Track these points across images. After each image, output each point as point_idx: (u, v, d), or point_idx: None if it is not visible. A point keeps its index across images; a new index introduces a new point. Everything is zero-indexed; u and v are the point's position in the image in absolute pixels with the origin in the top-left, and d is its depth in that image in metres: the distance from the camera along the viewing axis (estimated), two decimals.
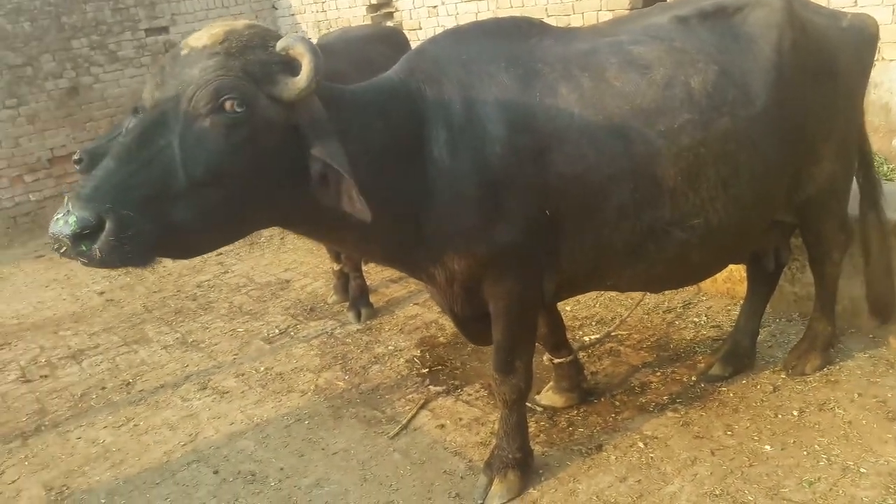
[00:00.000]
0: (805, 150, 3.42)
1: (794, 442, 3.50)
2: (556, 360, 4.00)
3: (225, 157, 2.43)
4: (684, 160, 3.05)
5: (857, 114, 3.74)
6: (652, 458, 3.56)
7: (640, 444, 3.66)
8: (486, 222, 2.94)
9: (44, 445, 4.52)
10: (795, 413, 3.70)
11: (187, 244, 2.58)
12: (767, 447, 3.49)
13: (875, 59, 3.78)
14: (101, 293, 7.21)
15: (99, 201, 2.28)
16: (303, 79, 2.45)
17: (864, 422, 3.55)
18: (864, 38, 3.56)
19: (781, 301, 4.71)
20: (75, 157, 5.57)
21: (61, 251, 2.30)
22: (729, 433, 3.64)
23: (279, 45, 2.50)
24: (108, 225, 2.26)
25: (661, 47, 3.12)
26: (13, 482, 4.19)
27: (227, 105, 2.40)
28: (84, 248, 2.27)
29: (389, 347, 5.15)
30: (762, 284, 4.12)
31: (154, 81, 2.50)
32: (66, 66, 10.08)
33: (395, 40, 5.92)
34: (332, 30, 9.52)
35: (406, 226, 2.94)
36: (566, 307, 5.28)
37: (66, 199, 2.31)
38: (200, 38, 2.50)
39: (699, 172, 3.09)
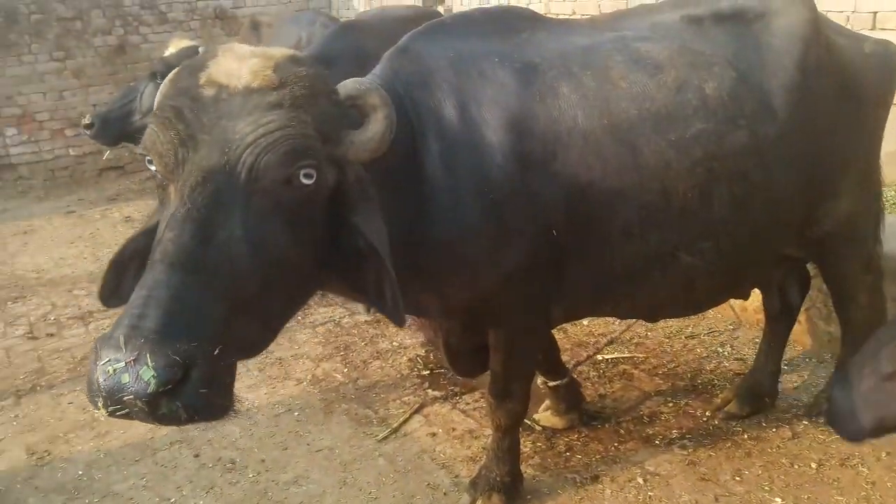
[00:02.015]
0: (822, 182, 3.07)
1: (809, 498, 3.21)
2: (552, 384, 3.74)
3: (292, 243, 1.94)
4: (696, 175, 2.72)
5: (877, 147, 3.38)
6: (650, 496, 3.31)
7: (640, 480, 3.41)
8: (490, 246, 2.59)
9: (35, 407, 4.45)
10: (814, 465, 3.41)
11: (253, 353, 2.06)
12: (778, 500, 3.22)
13: None
14: None
15: (179, 340, 1.68)
16: (375, 137, 2.05)
17: (888, 484, 3.25)
18: (887, 66, 3.20)
19: (815, 339, 4.39)
20: (86, 120, 5.37)
21: (119, 413, 1.68)
22: (738, 479, 3.37)
23: (347, 92, 2.08)
24: (195, 374, 1.69)
25: (671, 46, 2.79)
26: None
27: (299, 176, 1.88)
28: (164, 410, 1.68)
29: (394, 344, 4.96)
30: (776, 323, 3.80)
31: (174, 131, 1.88)
32: (116, 24, 10.09)
33: None
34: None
35: (396, 254, 2.27)
36: (584, 320, 5.02)
37: (121, 337, 1.67)
38: (237, 74, 1.93)
39: (712, 190, 2.76)
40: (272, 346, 4.88)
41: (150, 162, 1.97)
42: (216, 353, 1.74)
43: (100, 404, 1.69)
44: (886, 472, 3.31)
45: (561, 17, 8.62)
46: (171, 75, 2.07)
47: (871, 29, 5.74)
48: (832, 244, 3.28)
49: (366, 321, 5.32)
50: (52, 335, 5.45)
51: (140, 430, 4.11)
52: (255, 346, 2.03)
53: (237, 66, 1.96)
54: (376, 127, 2.08)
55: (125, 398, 1.65)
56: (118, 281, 2.16)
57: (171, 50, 5.23)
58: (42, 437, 4.13)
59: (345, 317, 5.43)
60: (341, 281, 2.25)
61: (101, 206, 8.86)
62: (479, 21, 2.86)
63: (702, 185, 2.76)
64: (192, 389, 1.69)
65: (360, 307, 5.46)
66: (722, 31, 2.91)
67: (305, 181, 1.92)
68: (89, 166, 10.05)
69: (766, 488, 3.29)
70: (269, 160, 1.86)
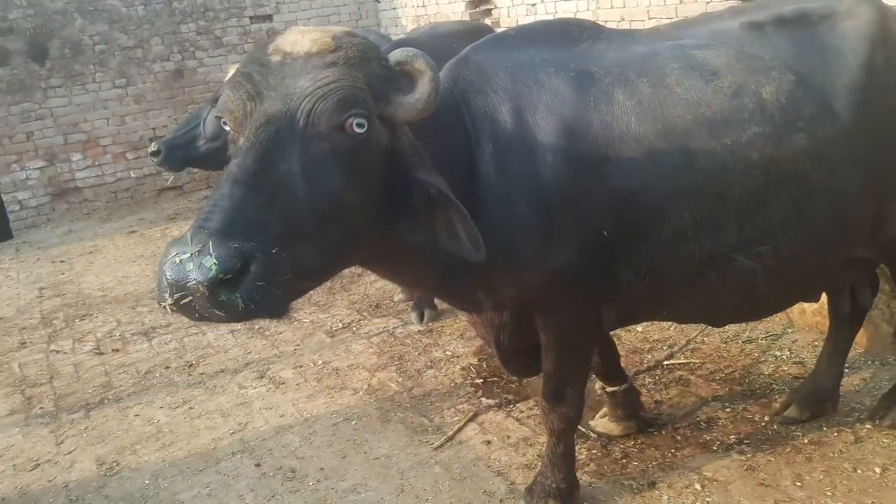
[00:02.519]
0: (891, 181, 3.01)
1: (872, 503, 3.13)
2: (610, 389, 3.74)
3: (346, 186, 2.11)
4: (752, 178, 2.72)
5: None
6: (708, 502, 3.27)
7: (697, 486, 3.38)
8: (539, 245, 2.68)
9: (104, 419, 4.64)
10: (878, 470, 3.32)
11: (302, 290, 2.21)
12: None
13: None
14: None
15: (240, 238, 1.87)
16: (422, 98, 2.20)
17: None
18: None
19: (877, 341, 4.28)
20: (152, 148, 5.57)
21: (183, 302, 1.83)
22: (798, 484, 3.30)
23: (395, 57, 2.24)
24: (254, 268, 1.86)
25: (729, 52, 2.81)
26: (70, 452, 4.30)
27: (351, 124, 2.07)
28: (224, 297, 1.83)
29: (447, 352, 5.01)
30: (844, 325, 3.71)
31: (245, 90, 2.12)
32: (174, 50, 10.46)
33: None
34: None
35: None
36: (637, 327, 4.99)
37: (188, 235, 1.87)
38: (298, 42, 2.17)
39: (768, 193, 2.75)
40: (329, 356, 5.04)
41: (225, 123, 2.20)
42: (274, 253, 1.91)
43: (166, 295, 1.84)
44: None
45: (610, 24, 8.63)
46: (247, 55, 2.34)
47: None
48: None
49: (419, 331, 5.39)
50: (117, 350, 5.66)
51: (203, 440, 4.25)
52: (313, 273, 2.19)
53: (301, 37, 2.19)
54: (423, 89, 2.21)
55: (189, 284, 1.81)
56: (170, 159, 2.42)
57: (230, 74, 5.42)
58: (111, 448, 4.30)
59: (398, 327, 5.51)
60: (391, 240, 2.38)
61: (161, 226, 9.16)
62: (539, 33, 2.96)
63: (758, 189, 2.76)
64: (250, 282, 1.86)
65: (413, 317, 5.53)
66: (783, 35, 2.91)
67: (357, 129, 2.09)
68: (149, 187, 10.42)
69: (829, 493, 3.22)
70: (324, 107, 2.05)
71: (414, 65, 2.23)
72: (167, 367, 5.26)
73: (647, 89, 2.73)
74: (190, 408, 4.66)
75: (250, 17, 11.12)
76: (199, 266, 1.80)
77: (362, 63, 2.16)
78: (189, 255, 1.82)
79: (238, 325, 5.83)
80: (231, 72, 5.47)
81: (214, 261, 1.81)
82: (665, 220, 2.74)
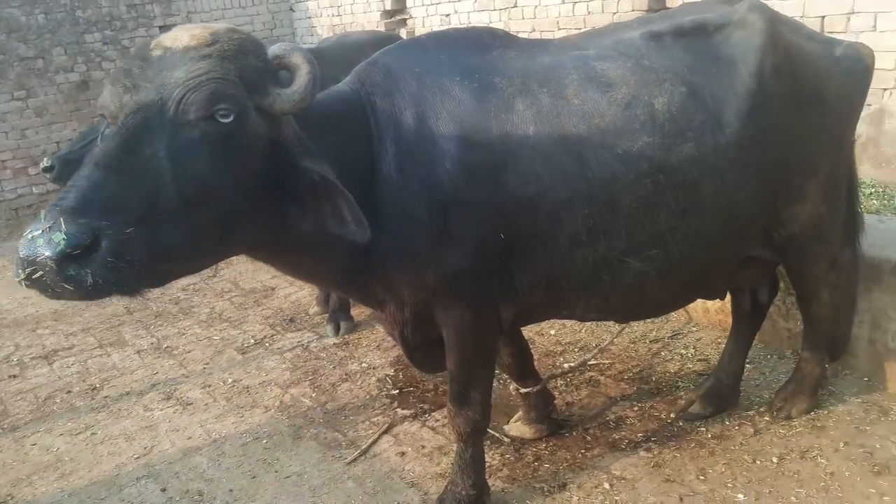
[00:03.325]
0: (785, 186, 3.14)
1: (770, 492, 3.24)
2: (523, 390, 3.77)
3: (215, 172, 2.17)
4: (642, 186, 2.81)
5: (847, 150, 3.46)
6: (616, 500, 3.32)
7: (606, 485, 3.43)
8: (435, 246, 2.74)
9: None
10: (775, 460, 3.45)
11: (165, 271, 2.25)
12: (741, 496, 3.24)
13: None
14: None
15: (92, 216, 1.94)
16: (299, 91, 2.26)
17: (847, 474, 3.29)
18: (857, 69, 3.26)
19: (774, 336, 4.45)
20: (45, 163, 5.25)
21: (34, 276, 1.90)
22: (702, 478, 3.39)
23: (273, 52, 2.30)
24: (104, 244, 1.93)
25: (626, 64, 2.89)
26: None
27: (221, 113, 2.15)
28: (72, 272, 1.90)
29: (363, 364, 4.96)
30: (745, 323, 3.85)
31: (122, 85, 2.17)
32: (78, 60, 10.07)
33: None
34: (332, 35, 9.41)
35: (355, 248, 2.68)
36: (550, 330, 5.06)
37: (43, 213, 1.94)
38: (178, 38, 2.22)
39: (658, 200, 2.85)
40: (239, 374, 4.91)
41: (104, 117, 2.25)
42: (128, 232, 1.98)
43: (19, 270, 1.91)
44: (844, 463, 3.36)
45: (521, 34, 8.76)
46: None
47: (873, 30, 5.87)
48: (798, 245, 3.33)
49: (334, 344, 5.32)
50: (14, 376, 5.37)
51: (106, 467, 4.08)
52: (179, 256, 2.21)
53: (182, 33, 2.25)
54: (300, 81, 2.26)
55: (38, 259, 1.88)
56: (65, 175, 2.44)
57: None
58: (4, 480, 4.07)
59: (313, 341, 5.42)
60: (282, 231, 2.45)
61: None
62: (451, 39, 3.01)
63: (648, 196, 2.85)
64: (100, 258, 1.93)
65: (328, 330, 5.45)
66: (681, 45, 2.99)
67: (223, 119, 2.16)
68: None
69: (730, 485, 3.32)
70: (194, 97, 2.12)
71: (290, 59, 2.29)
72: (69, 392, 5.03)
73: (547, 100, 2.80)
74: (92, 434, 4.46)
75: (160, 27, 10.80)
76: (49, 241, 1.87)
77: (237, 56, 2.22)
78: (41, 231, 1.89)
79: (144, 345, 5.64)
80: None
81: (63, 236, 1.87)
82: (560, 225, 2.80)
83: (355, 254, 2.72)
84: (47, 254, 1.87)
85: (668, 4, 6.98)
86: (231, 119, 2.17)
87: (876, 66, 3.40)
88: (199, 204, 2.17)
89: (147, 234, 2.04)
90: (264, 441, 4.16)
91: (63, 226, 1.89)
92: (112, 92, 2.19)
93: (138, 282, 2.08)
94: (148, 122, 2.10)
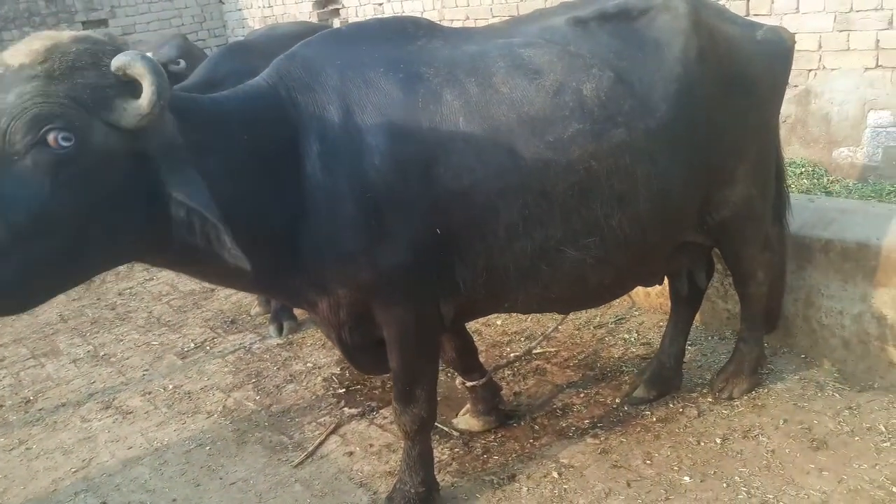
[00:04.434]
0: (716, 169, 3.19)
1: (715, 473, 3.30)
2: (469, 384, 3.75)
3: (52, 200, 2.07)
4: (575, 174, 2.80)
5: (773, 132, 3.53)
6: (565, 489, 3.34)
7: (555, 475, 3.44)
8: (368, 244, 2.67)
9: None
10: (718, 441, 3.51)
11: (14, 302, 2.22)
12: (686, 478, 3.29)
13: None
14: None
15: None
16: (144, 103, 2.13)
17: (787, 451, 3.37)
18: (779, 51, 3.33)
19: (714, 318, 4.54)
20: None
21: None
22: (648, 462, 3.44)
23: (114, 64, 2.16)
24: None
25: (553, 51, 2.87)
26: None
27: (51, 139, 2.04)
28: None
29: (308, 364, 4.88)
30: (683, 306, 3.90)
31: None
32: None
33: None
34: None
35: (280, 250, 2.63)
36: (496, 321, 5.06)
37: None
38: (17, 54, 2.11)
39: (591, 187, 2.85)
40: (180, 380, 4.78)
41: None
42: None
43: None
44: (784, 440, 3.44)
45: (455, 23, 8.72)
46: None
47: (745, 15, 6.02)
48: (731, 227, 3.39)
49: (278, 344, 5.22)
50: None
51: (42, 482, 3.92)
52: (19, 291, 2.17)
53: (25, 46, 2.14)
54: (145, 94, 2.14)
55: None
56: None
57: None
58: None
59: (256, 342, 5.31)
60: (170, 244, 2.36)
61: None
62: (373, 30, 2.94)
63: (581, 183, 2.84)
64: None
65: (271, 330, 5.35)
66: (606, 31, 2.99)
67: (64, 143, 2.06)
68: None
69: (675, 468, 3.37)
70: (16, 125, 2.02)
71: (133, 69, 2.15)
72: (0, 406, 4.82)
73: (475, 89, 2.75)
74: (27, 448, 4.28)
75: (82, 23, 10.46)
76: None
77: (70, 74, 2.11)
78: None
79: (79, 354, 5.45)
80: None
81: None
82: (497, 216, 2.77)
83: (281, 254, 2.66)
84: None
85: None
86: (70, 143, 2.07)
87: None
88: (34, 235, 2.08)
89: (9, 267, 2.04)
90: (208, 447, 4.05)
91: None
92: None
93: None
94: None
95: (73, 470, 4.01)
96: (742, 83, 3.17)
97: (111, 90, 2.16)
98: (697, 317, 4.11)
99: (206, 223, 2.24)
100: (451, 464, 3.65)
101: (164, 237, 2.32)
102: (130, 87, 2.17)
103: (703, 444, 3.51)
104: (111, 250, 2.31)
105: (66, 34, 2.21)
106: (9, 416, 4.70)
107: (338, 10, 10.20)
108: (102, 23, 10.62)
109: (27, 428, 4.51)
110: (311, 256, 2.66)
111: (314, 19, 10.18)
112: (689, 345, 4.16)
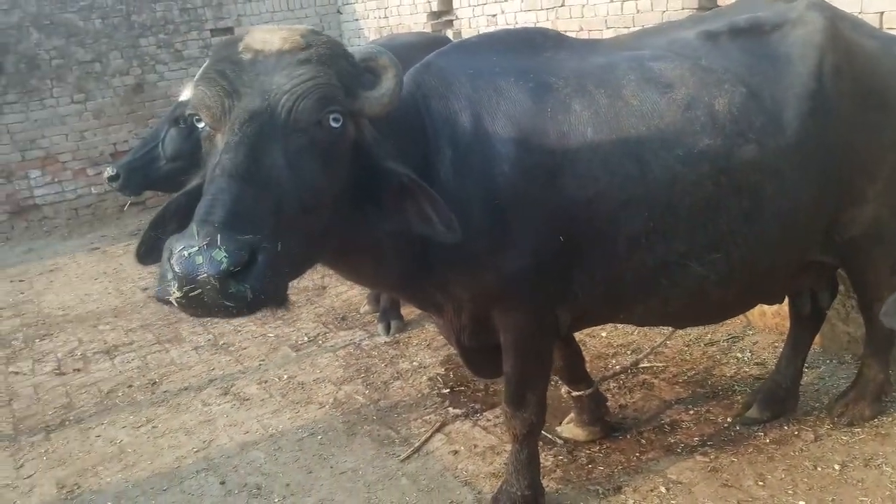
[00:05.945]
0: (846, 188, 3.08)
1: (833, 500, 3.19)
2: (576, 393, 3.76)
3: (325, 178, 2.19)
4: (703, 189, 2.79)
5: None
6: None
7: (662, 489, 3.41)
8: (493, 249, 2.73)
9: (64, 441, 4.53)
10: (837, 467, 3.38)
11: (289, 280, 2.21)
12: (802, 503, 3.19)
13: None
14: (145, 289, 7.26)
15: (244, 230, 1.90)
16: (387, 93, 2.27)
17: None
18: None
19: (833, 341, 4.37)
20: (109, 172, 5.27)
21: (192, 294, 1.84)
22: (760, 483, 3.35)
23: (360, 55, 2.32)
24: (261, 259, 1.89)
25: (684, 65, 2.87)
26: (29, 476, 4.20)
27: (328, 119, 2.15)
28: (234, 289, 1.85)
29: (414, 363, 5.00)
30: (803, 327, 3.78)
31: (219, 87, 2.14)
32: (133, 64, 10.32)
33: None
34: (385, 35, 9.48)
35: (414, 252, 2.70)
36: (602, 332, 5.04)
37: (194, 229, 1.89)
38: (267, 41, 2.20)
39: (718, 203, 2.82)
40: (294, 371, 5.00)
41: (199, 119, 2.24)
42: (279, 247, 1.97)
43: (174, 288, 1.86)
44: None
45: (568, 34, 8.73)
46: (212, 52, 2.36)
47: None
48: (859, 248, 3.27)
49: (385, 342, 5.38)
50: (78, 370, 5.55)
51: (166, 459, 4.19)
52: (301, 263, 2.25)
53: (269, 36, 2.23)
54: (387, 84, 2.28)
55: (199, 277, 1.83)
56: (156, 239, 2.29)
57: (186, 93, 5.28)
58: (72, 470, 4.21)
59: (364, 339, 5.49)
60: (383, 220, 2.43)
61: (124, 242, 9.01)
62: (502, 40, 3.01)
63: (709, 198, 2.82)
64: (258, 272, 1.89)
65: (379, 328, 5.51)
66: (737, 45, 2.97)
67: (334, 124, 2.17)
68: (111, 203, 10.24)
69: (790, 492, 3.27)
70: (305, 104, 2.11)
71: (378, 61, 2.30)
72: (130, 386, 5.17)
73: (604, 100, 2.78)
74: (153, 427, 4.59)
75: (211, 31, 11.01)
76: (210, 259, 1.83)
77: (333, 60, 2.21)
78: (197, 248, 1.84)
79: (201, 342, 5.76)
80: (187, 91, 5.41)
81: (224, 254, 1.83)
82: (619, 228, 2.79)
83: (415, 256, 2.74)
84: (210, 272, 1.82)
85: (718, 3, 6.90)
86: (339, 124, 2.18)
87: None
88: (314, 209, 2.17)
89: (287, 244, 2.03)
90: (319, 437, 4.23)
91: (221, 242, 1.84)
92: (210, 94, 2.15)
93: (286, 292, 2.08)
94: (263, 131, 2.08)
95: (194, 450, 4.27)
96: (878, 99, 3.05)
97: (357, 79, 2.28)
98: (816, 339, 3.97)
99: (420, 197, 2.33)
100: (554, 470, 3.67)
101: (357, 226, 2.42)
102: (366, 78, 2.31)
103: (820, 469, 3.39)
104: (336, 234, 2.37)
105: (304, 28, 2.31)
106: (137, 395, 5.04)
107: (451, 21, 10.36)
108: (229, 30, 11.14)
109: (153, 408, 4.83)
110: (439, 259, 2.73)
111: (428, 30, 10.39)
112: (807, 368, 4.03)
